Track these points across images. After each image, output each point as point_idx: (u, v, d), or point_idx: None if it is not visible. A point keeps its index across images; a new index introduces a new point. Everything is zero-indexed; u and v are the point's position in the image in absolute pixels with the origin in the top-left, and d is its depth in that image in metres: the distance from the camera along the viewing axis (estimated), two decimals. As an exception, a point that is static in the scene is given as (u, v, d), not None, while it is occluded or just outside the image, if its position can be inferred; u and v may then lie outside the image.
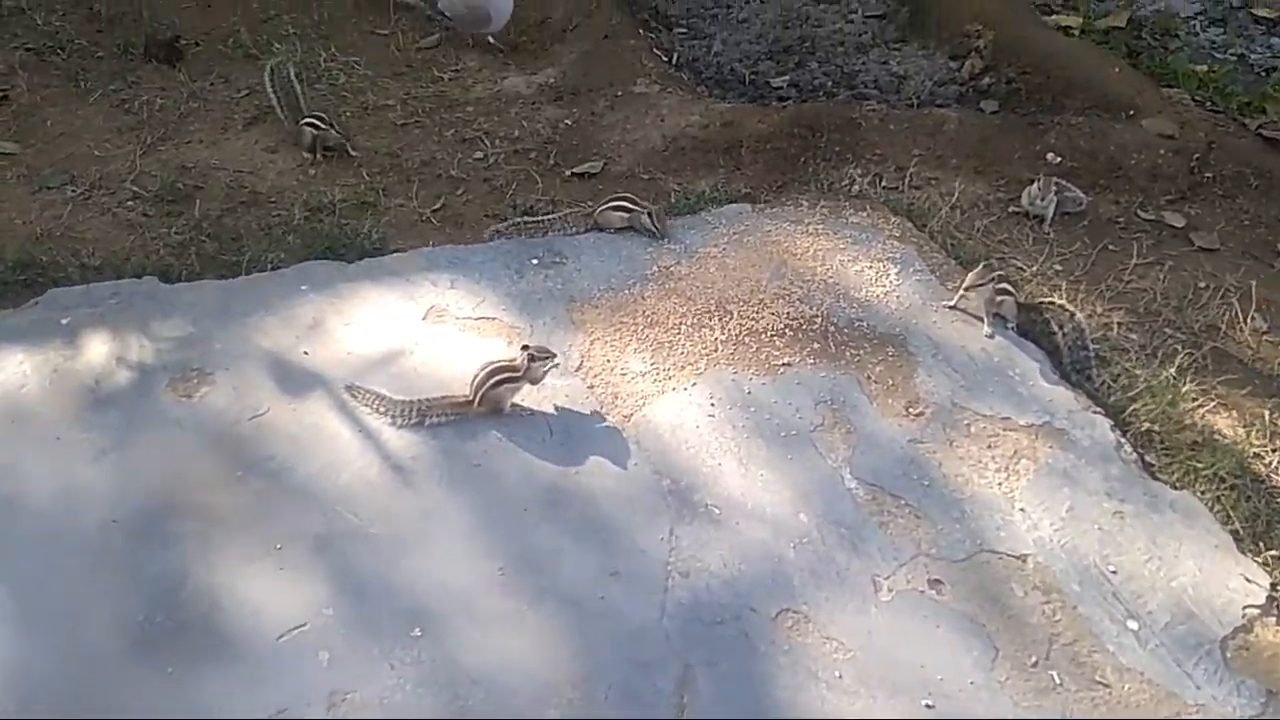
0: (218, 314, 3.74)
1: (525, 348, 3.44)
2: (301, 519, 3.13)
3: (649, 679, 2.82)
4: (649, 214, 4.13)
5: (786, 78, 5.50)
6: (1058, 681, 2.87)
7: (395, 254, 4.08)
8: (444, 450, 3.34)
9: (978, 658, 2.90)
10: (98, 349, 3.58)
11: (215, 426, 3.37)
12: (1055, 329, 3.77)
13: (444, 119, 5.13)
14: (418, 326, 3.73)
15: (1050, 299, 3.88)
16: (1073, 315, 3.78)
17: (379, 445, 3.34)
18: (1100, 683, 2.87)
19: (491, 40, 5.57)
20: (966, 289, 3.81)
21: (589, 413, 3.47)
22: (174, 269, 4.10)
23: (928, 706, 2.80)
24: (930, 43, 5.71)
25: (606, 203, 4.20)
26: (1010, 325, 3.86)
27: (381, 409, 3.40)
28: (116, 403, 3.42)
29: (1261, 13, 5.92)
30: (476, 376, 3.40)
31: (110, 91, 5.22)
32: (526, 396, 3.48)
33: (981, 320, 3.82)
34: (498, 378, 3.39)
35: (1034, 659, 2.91)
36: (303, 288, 3.86)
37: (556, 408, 3.48)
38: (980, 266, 3.88)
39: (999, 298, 3.79)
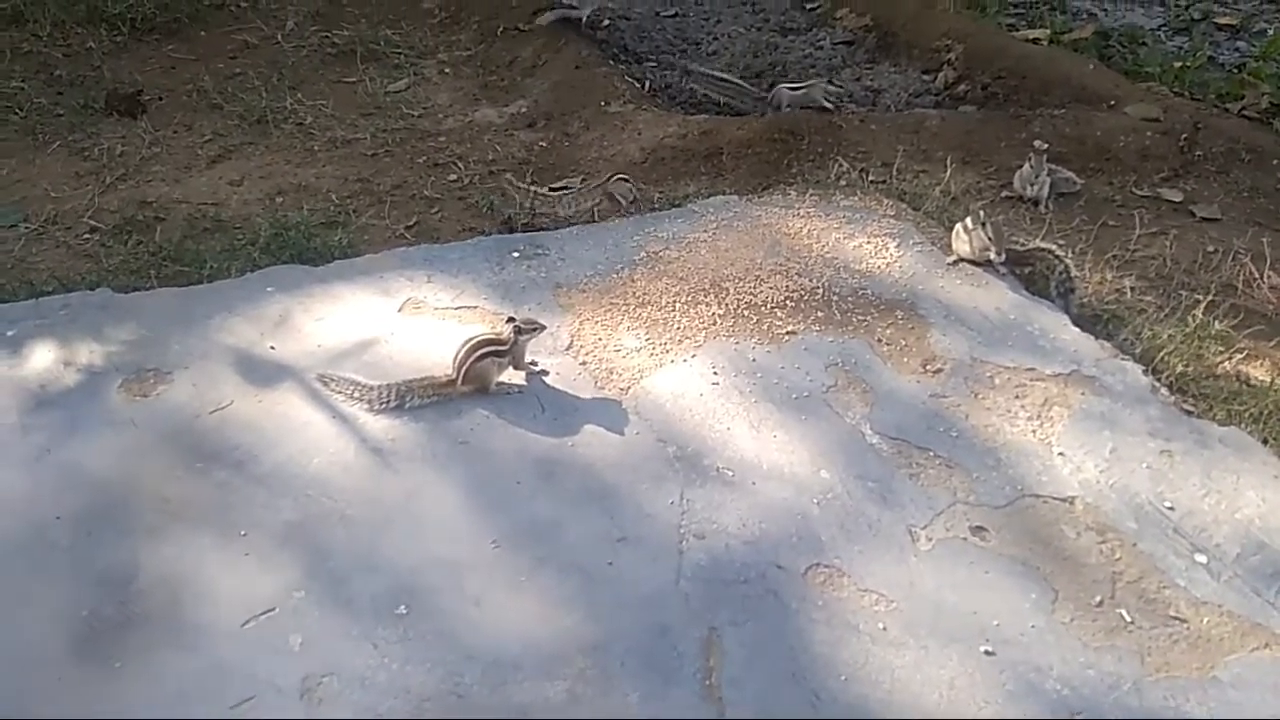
0: (176, 318, 3.48)
1: (511, 319, 3.19)
2: (269, 505, 2.81)
3: (669, 643, 2.47)
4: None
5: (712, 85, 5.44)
6: (1128, 620, 2.55)
7: (368, 255, 3.85)
8: (427, 430, 3.04)
9: (1036, 600, 2.58)
10: (44, 356, 3.30)
11: (172, 422, 3.07)
12: (1046, 273, 3.64)
13: (415, 148, 4.99)
14: (393, 318, 3.48)
15: (1040, 244, 3.72)
16: (1061, 258, 3.64)
17: (355, 429, 3.04)
18: (1176, 618, 2.55)
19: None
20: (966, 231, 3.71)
21: (583, 387, 3.19)
22: (132, 287, 3.85)
23: (987, 653, 2.46)
24: (901, 61, 5.71)
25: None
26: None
27: (356, 395, 3.11)
28: (62, 404, 3.12)
29: (1224, 20, 5.99)
30: (459, 353, 3.14)
31: (69, 142, 5.05)
32: (515, 375, 3.20)
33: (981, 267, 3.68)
34: (481, 351, 3.12)
35: (1098, 598, 2.60)
36: (269, 289, 3.61)
37: (547, 384, 3.21)
38: (969, 217, 3.72)
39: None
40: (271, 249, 4.09)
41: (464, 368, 3.11)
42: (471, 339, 3.15)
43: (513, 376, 3.20)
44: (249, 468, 2.92)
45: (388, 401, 3.09)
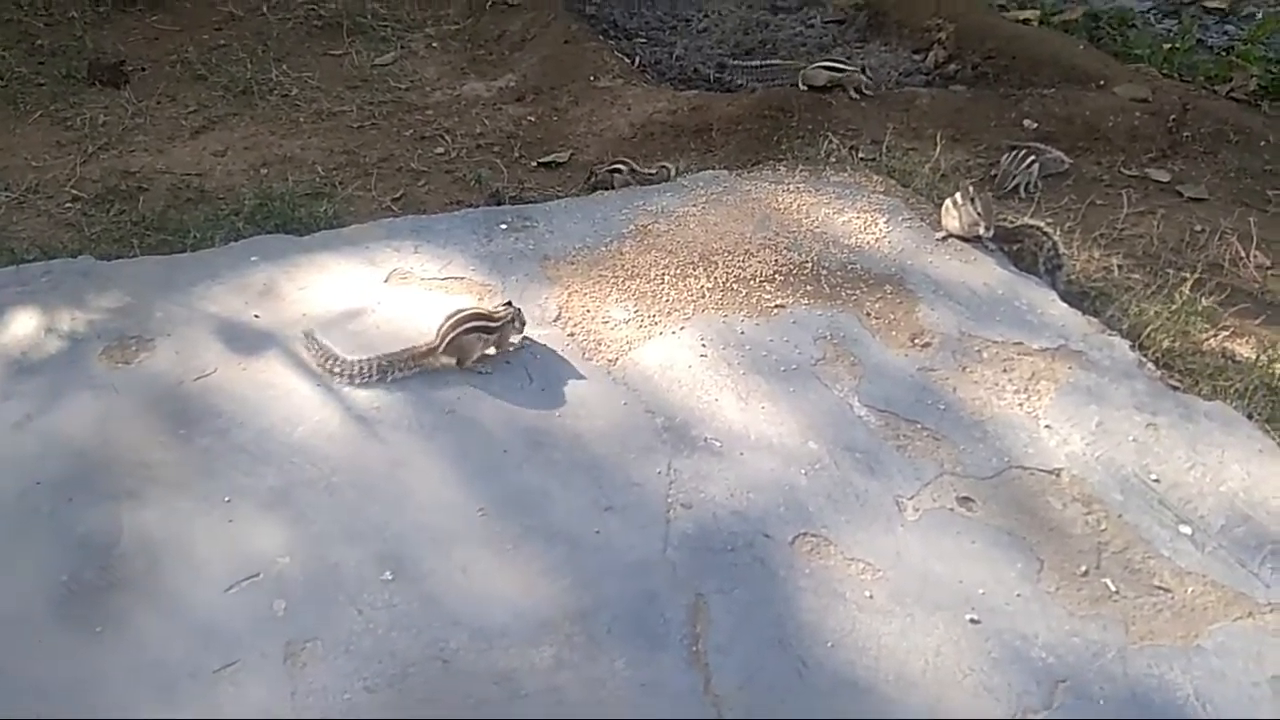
0: (160, 285, 3.44)
1: (509, 304, 3.17)
2: (252, 472, 2.78)
3: (656, 610, 2.47)
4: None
5: (752, 74, 5.42)
6: (1113, 589, 2.55)
7: (354, 225, 3.81)
8: (412, 400, 3.02)
9: (1022, 569, 2.59)
10: (25, 323, 3.26)
11: (155, 388, 3.04)
12: (1034, 250, 3.66)
13: (402, 120, 4.95)
14: (379, 288, 3.44)
15: (1028, 221, 3.75)
16: (1049, 235, 3.67)
17: (339, 398, 3.01)
18: (1160, 587, 2.56)
19: None
20: (955, 206, 3.72)
21: (571, 358, 3.17)
22: (114, 256, 3.80)
23: (973, 621, 2.47)
24: (892, 40, 5.69)
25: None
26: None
27: (336, 369, 3.06)
28: (43, 371, 3.08)
29: (1213, 4, 5.99)
30: (444, 323, 3.10)
31: (51, 111, 5.00)
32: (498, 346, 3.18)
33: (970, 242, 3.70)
34: (469, 324, 3.09)
35: (1083, 568, 2.60)
36: (253, 259, 3.57)
37: (534, 355, 3.19)
38: (959, 192, 3.74)
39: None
40: (256, 219, 4.05)
41: (448, 337, 3.08)
42: (461, 310, 3.12)
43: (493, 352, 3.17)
44: (232, 434, 2.89)
45: (369, 376, 3.05)
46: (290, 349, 3.16)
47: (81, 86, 5.21)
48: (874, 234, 3.77)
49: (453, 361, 3.11)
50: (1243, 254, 3.95)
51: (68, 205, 4.28)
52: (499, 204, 4.13)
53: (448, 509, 2.71)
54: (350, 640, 2.38)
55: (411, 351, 3.11)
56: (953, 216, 3.70)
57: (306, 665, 2.33)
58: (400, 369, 3.09)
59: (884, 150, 4.48)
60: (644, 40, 5.78)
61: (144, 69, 5.41)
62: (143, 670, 2.31)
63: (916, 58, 5.55)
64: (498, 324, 3.12)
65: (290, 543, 2.60)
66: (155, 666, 2.31)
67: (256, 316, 3.31)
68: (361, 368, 3.05)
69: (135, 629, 2.38)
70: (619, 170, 4.24)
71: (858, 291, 3.49)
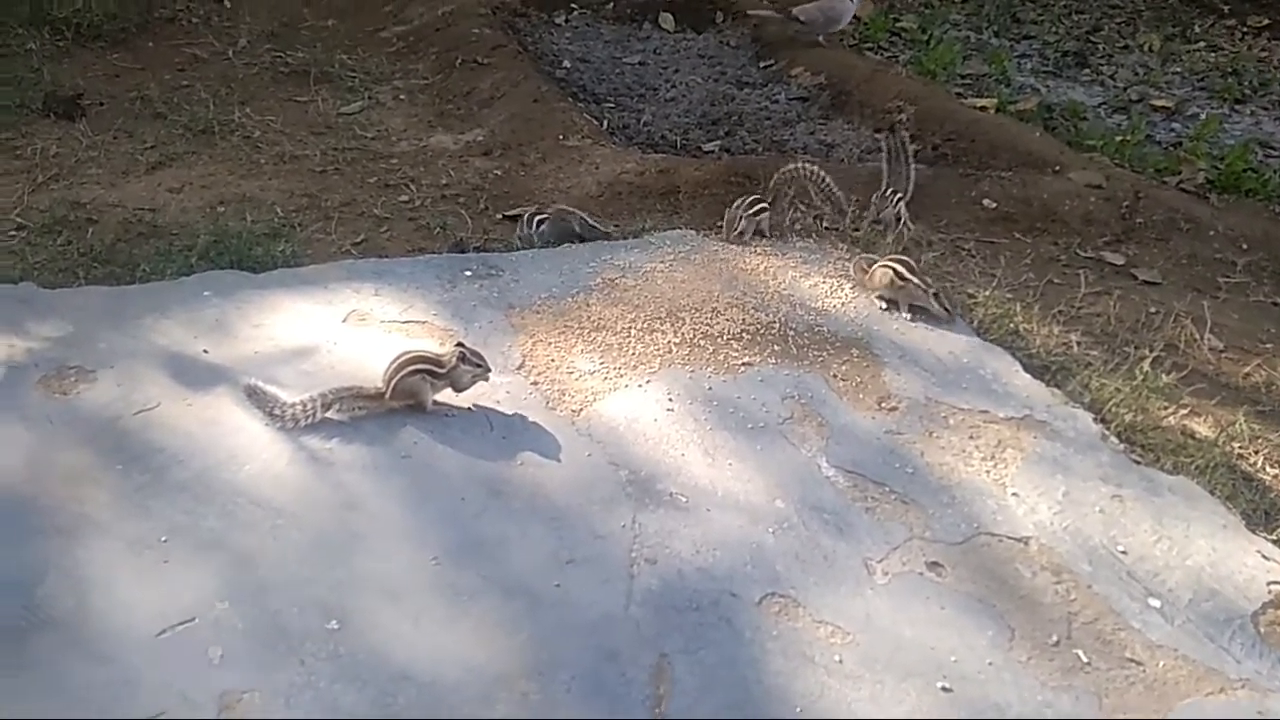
0: (104, 317, 3.30)
1: (459, 345, 3.08)
2: (192, 511, 2.63)
3: (617, 669, 2.35)
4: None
5: (718, 143, 5.47)
6: (1084, 660, 2.50)
7: (313, 265, 3.72)
8: (366, 442, 2.90)
9: (993, 637, 2.52)
10: (-43, 348, 3.09)
11: (94, 422, 2.88)
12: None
13: (366, 168, 4.89)
14: (336, 328, 3.34)
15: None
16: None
17: (289, 438, 2.88)
18: (1132, 660, 2.51)
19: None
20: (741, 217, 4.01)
21: (534, 407, 3.09)
22: (58, 285, 3.65)
23: (944, 689, 2.38)
24: (854, 119, 5.80)
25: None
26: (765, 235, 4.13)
27: (277, 411, 2.91)
28: (-27, 398, 2.91)
29: (1159, 103, 6.24)
30: (390, 366, 3.00)
31: (1, 140, 4.85)
32: (460, 395, 3.08)
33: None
34: (412, 367, 2.99)
35: (1055, 638, 2.55)
36: (205, 293, 3.46)
37: (497, 402, 3.09)
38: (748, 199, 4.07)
39: (758, 218, 4.12)
40: (210, 255, 3.92)
41: (392, 381, 2.98)
42: (406, 353, 3.02)
43: (459, 399, 3.07)
44: (173, 472, 2.74)
45: (312, 415, 2.92)
46: (239, 387, 3.02)
47: (35, 117, 5.08)
48: (840, 299, 3.77)
49: (402, 405, 3.00)
50: (1197, 336, 4.02)
51: (11, 233, 4.12)
52: (463, 252, 4.06)
53: (400, 556, 2.58)
54: (290, 692, 2.22)
55: (357, 390, 2.99)
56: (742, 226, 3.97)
57: (242, 719, 2.16)
58: (345, 406, 2.96)
59: (848, 221, 4.52)
60: (612, 105, 5.82)
61: (102, 104, 5.30)
62: (64, 716, 2.12)
63: (878, 136, 5.65)
64: (445, 366, 3.02)
65: (229, 587, 2.44)
66: (77, 713, 2.13)
67: (205, 352, 3.18)
68: (305, 407, 2.92)
69: (57, 673, 2.20)
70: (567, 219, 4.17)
71: (824, 353, 3.46)
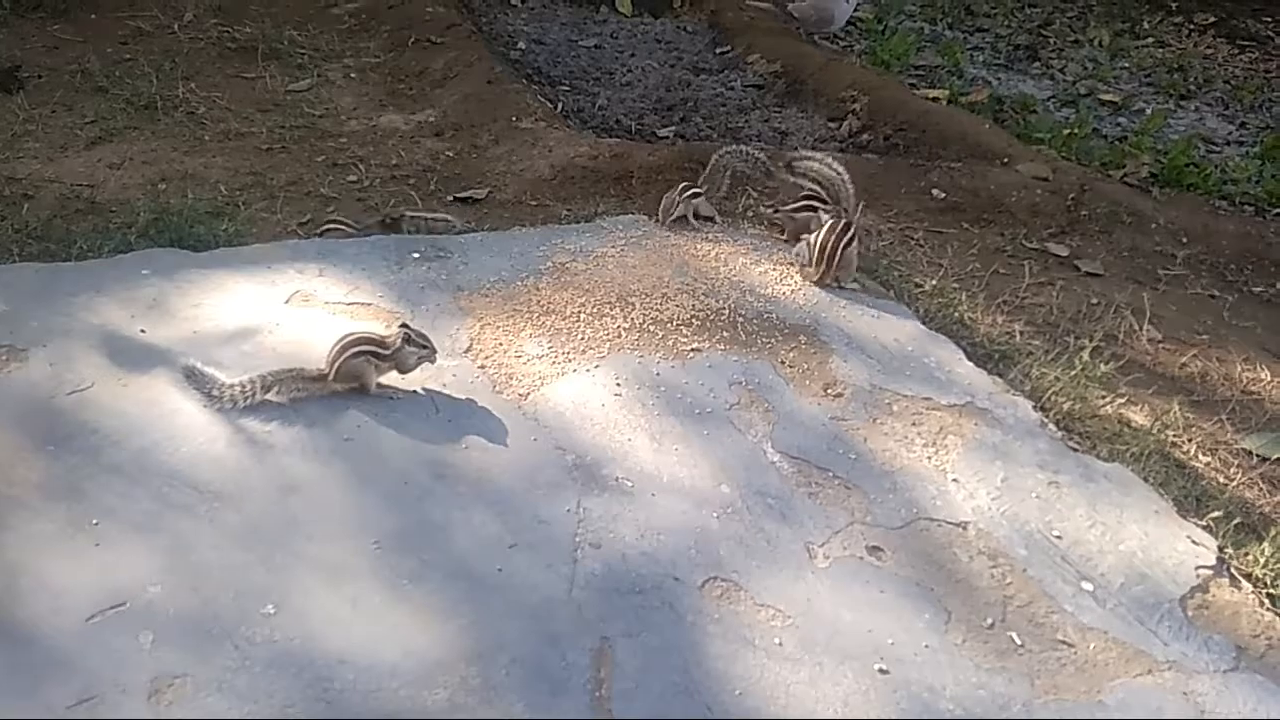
0: (37, 294, 3.22)
1: (403, 325, 3.04)
2: (126, 494, 2.58)
3: (558, 652, 2.34)
4: None
5: (673, 129, 5.46)
6: (1018, 643, 2.54)
7: (256, 245, 3.65)
8: (308, 424, 2.86)
9: (930, 620, 2.56)
10: (-120, 324, 2.99)
11: (24, 402, 2.81)
12: None
13: (314, 147, 4.82)
14: (279, 309, 3.29)
15: None
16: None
17: (228, 419, 2.83)
18: (1063, 642, 2.56)
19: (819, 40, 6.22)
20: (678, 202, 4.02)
21: (480, 391, 3.06)
22: (-10, 262, 3.56)
23: (881, 671, 2.41)
24: (809, 107, 5.83)
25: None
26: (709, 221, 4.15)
27: (215, 392, 2.86)
28: (-104, 376, 2.82)
29: (1106, 97, 6.34)
30: (333, 348, 2.96)
31: (-68, 112, 4.70)
32: (406, 378, 3.05)
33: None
34: (356, 349, 2.95)
35: (989, 621, 2.59)
36: (144, 272, 3.38)
37: (443, 385, 3.07)
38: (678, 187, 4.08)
39: (694, 201, 4.10)
40: (149, 233, 3.85)
41: (336, 363, 2.94)
42: (349, 335, 2.98)
43: (403, 381, 3.04)
44: (106, 454, 2.68)
45: (251, 396, 2.87)
46: (176, 367, 2.96)
47: (-31, 90, 4.94)
48: (789, 286, 3.79)
49: (346, 388, 2.96)
50: (1136, 327, 4.10)
51: (-59, 208, 4.00)
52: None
53: (339, 540, 2.55)
54: (223, 677, 2.18)
55: (299, 372, 2.94)
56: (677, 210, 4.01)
57: (173, 704, 2.13)
58: (285, 388, 2.92)
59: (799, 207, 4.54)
60: (567, 88, 5.79)
61: (40, 76, 5.17)
62: (-16, 704, 2.08)
63: (832, 125, 5.69)
64: (390, 348, 2.99)
65: (162, 570, 2.40)
66: (3, 700, 2.08)
67: (143, 331, 3.11)
68: (244, 388, 2.87)
69: (-21, 658, 2.15)
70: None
71: (773, 340, 3.48)
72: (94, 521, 2.49)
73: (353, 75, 5.54)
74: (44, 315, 3.11)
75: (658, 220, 4.08)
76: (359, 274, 3.50)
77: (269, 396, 2.89)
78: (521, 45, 6.19)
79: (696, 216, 4.15)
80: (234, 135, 4.79)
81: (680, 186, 4.15)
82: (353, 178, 4.58)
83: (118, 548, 2.44)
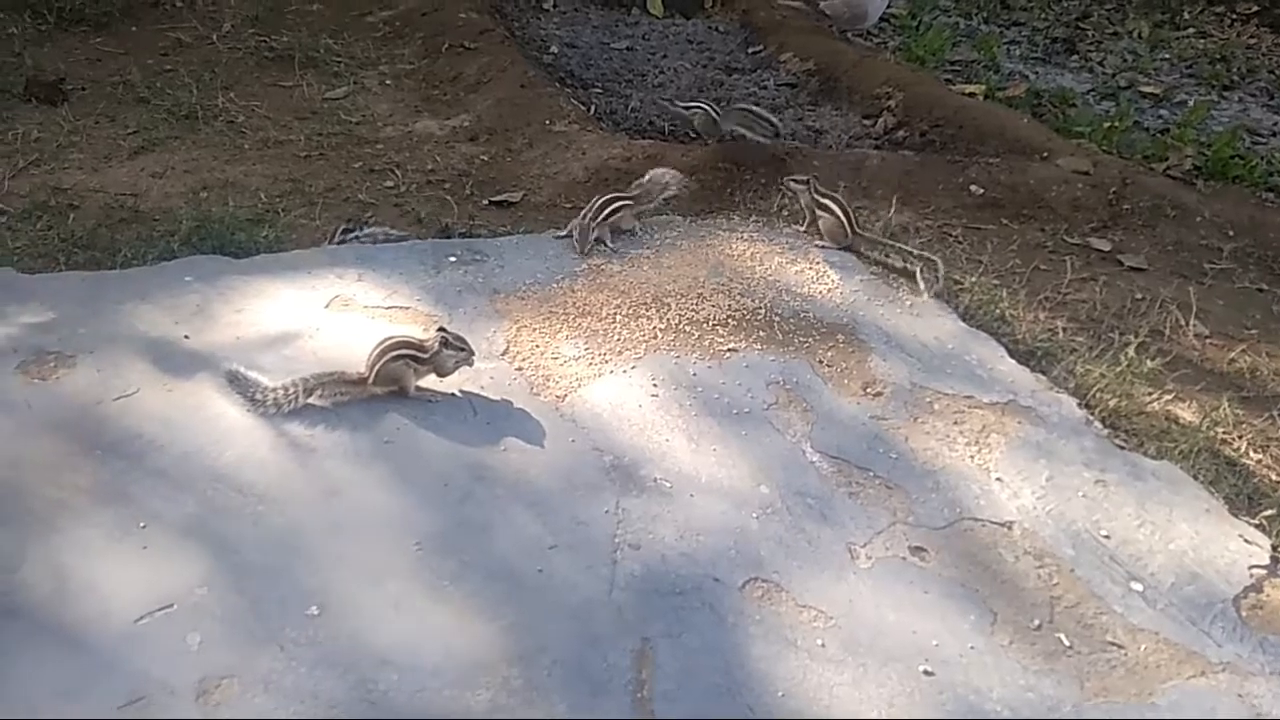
0: (84, 302, 3.27)
1: (441, 329, 3.05)
2: (172, 498, 2.61)
3: (600, 654, 2.34)
4: None
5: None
6: (1066, 644, 2.50)
7: (296, 251, 3.69)
8: (349, 428, 2.88)
9: (975, 622, 2.53)
10: (-66, 333, 3.06)
11: (72, 407, 2.86)
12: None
13: (351, 153, 4.85)
14: (319, 314, 3.32)
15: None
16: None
17: (271, 423, 2.86)
18: (1113, 644, 2.51)
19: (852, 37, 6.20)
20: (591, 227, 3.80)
21: (518, 393, 3.07)
22: (38, 270, 3.62)
23: (926, 673, 2.39)
24: (843, 105, 5.79)
25: None
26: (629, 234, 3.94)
27: (258, 396, 2.88)
28: (-50, 383, 2.88)
29: (1147, 89, 6.23)
30: (373, 351, 2.98)
31: (-20, 125, 4.80)
32: (445, 381, 3.06)
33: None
34: (396, 352, 2.97)
35: (1036, 622, 2.55)
36: (187, 279, 3.43)
37: (481, 387, 3.08)
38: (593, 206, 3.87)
39: (614, 217, 3.87)
40: (192, 241, 3.90)
41: (375, 367, 2.96)
42: (388, 339, 3.00)
43: (442, 384, 3.06)
44: (152, 458, 2.72)
45: (294, 399, 2.90)
46: (219, 372, 2.99)
47: (16, 102, 5.03)
48: (826, 284, 3.76)
49: (385, 391, 2.98)
50: (1182, 322, 4.02)
51: (-10, 218, 4.08)
52: (448, 237, 4.04)
53: (381, 542, 2.56)
54: (270, 678, 2.20)
55: (340, 376, 2.97)
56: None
57: (220, 704, 2.15)
58: (328, 392, 2.95)
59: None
60: (600, 90, 5.79)
61: (84, 89, 5.25)
62: (40, 704, 2.11)
63: (866, 122, 5.64)
64: (428, 352, 3.00)
65: (209, 573, 2.42)
66: (54, 700, 2.12)
67: (186, 337, 3.15)
68: (287, 392, 2.90)
69: (33, 660, 2.19)
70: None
71: (810, 339, 3.45)
72: (141, 525, 2.52)
73: (388, 82, 5.58)
74: (91, 322, 3.16)
75: (574, 249, 3.77)
76: (397, 278, 3.53)
77: (311, 400, 2.91)
78: (554, 49, 6.20)
79: (617, 232, 3.87)
80: (273, 143, 4.84)
81: (596, 205, 3.85)
82: (390, 183, 4.61)
83: (165, 550, 2.47)
